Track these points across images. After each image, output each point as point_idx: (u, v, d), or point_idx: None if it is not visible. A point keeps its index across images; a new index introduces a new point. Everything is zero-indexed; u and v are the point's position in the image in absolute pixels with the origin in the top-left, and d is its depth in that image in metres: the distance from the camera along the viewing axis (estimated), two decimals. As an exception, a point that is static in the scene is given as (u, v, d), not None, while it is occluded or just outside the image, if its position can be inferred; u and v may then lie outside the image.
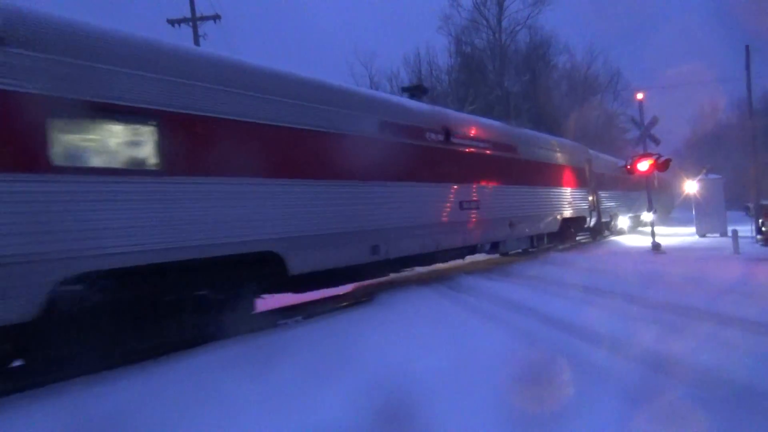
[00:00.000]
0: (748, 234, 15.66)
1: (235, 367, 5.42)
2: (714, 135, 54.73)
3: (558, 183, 15.34)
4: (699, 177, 19.67)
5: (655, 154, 14.79)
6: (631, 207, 26.15)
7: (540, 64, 41.10)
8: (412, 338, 6.26)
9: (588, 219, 17.96)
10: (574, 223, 16.99)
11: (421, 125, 9.92)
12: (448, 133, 10.56)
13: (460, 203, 10.77)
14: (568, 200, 15.98)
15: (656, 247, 14.90)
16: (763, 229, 12.72)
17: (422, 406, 4.13)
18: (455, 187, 10.69)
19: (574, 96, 42.84)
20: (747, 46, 16.02)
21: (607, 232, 22.54)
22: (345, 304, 9.25)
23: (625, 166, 15.79)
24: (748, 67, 16.06)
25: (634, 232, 25.95)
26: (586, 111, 41.17)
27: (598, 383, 4.44)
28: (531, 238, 14.47)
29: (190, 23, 23.37)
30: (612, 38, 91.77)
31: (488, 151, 12.01)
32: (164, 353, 6.43)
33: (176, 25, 23.32)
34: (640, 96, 15.75)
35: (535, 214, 14.00)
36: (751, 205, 23.87)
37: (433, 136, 10.16)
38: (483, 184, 11.66)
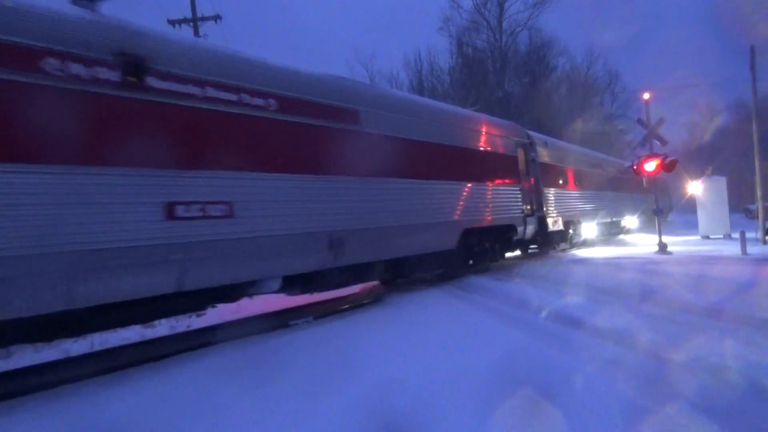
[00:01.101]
0: (751, 236, 15.57)
1: (242, 373, 5.31)
2: (712, 137, 54.82)
3: (456, 175, 10.61)
4: (702, 178, 19.60)
5: (662, 155, 14.70)
6: (606, 211, 21.43)
7: (540, 66, 41.13)
8: (426, 339, 6.16)
9: (521, 228, 13.07)
10: (494, 236, 12.27)
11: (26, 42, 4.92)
12: (138, 68, 5.74)
13: (170, 208, 5.80)
14: (481, 201, 11.39)
15: (663, 247, 14.78)
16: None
17: (443, 416, 4.01)
18: (151, 175, 5.70)
19: (574, 98, 42.85)
20: (752, 47, 16.00)
21: (563, 245, 17.36)
22: (353, 305, 9.10)
23: (632, 166, 15.66)
24: (752, 67, 16.03)
25: (612, 243, 21.10)
26: (586, 113, 41.17)
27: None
28: (394, 264, 9.32)
29: (191, 23, 23.28)
30: (611, 41, 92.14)
31: (269, 114, 7.01)
32: (164, 357, 6.33)
33: (177, 26, 23.19)
34: (646, 96, 15.67)
35: (399, 225, 8.94)
36: (754, 207, 23.85)
37: (81, 70, 5.28)
38: (248, 170, 6.65)
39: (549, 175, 15.48)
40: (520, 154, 13.55)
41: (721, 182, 19.00)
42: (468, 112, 12.75)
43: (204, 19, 23.57)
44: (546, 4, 39.64)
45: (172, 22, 23.19)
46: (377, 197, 8.58)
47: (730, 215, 19.55)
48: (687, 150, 55.40)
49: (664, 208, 35.08)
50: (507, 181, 12.65)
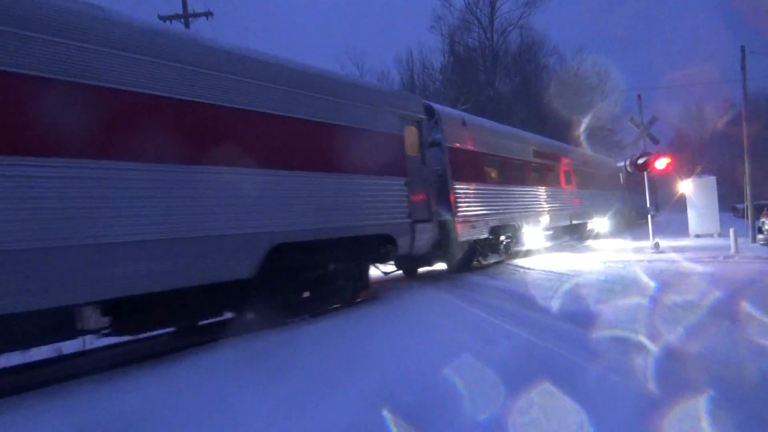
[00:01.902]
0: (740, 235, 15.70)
1: (244, 369, 5.27)
2: (700, 137, 55.44)
3: (260, 158, 6.94)
4: (692, 177, 19.78)
5: (655, 153, 14.81)
6: (564, 212, 17.56)
7: (531, 65, 41.28)
8: (430, 335, 6.15)
9: (405, 239, 9.19)
10: (351, 253, 8.42)
11: None
12: None
13: None
14: (318, 201, 7.62)
15: (656, 246, 14.87)
16: (764, 228, 12.64)
17: (452, 410, 4.00)
18: None
19: (564, 97, 43.02)
20: (742, 47, 16.16)
21: (494, 257, 13.21)
22: (349, 303, 9.01)
23: (625, 166, 15.73)
24: (743, 67, 16.19)
25: (572, 250, 17.51)
26: (576, 112, 41.34)
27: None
28: (113, 309, 5.82)
29: (182, 20, 23.13)
30: (601, 40, 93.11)
31: None
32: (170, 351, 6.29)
33: (168, 22, 22.99)
34: (638, 95, 15.79)
35: (108, 242, 5.33)
36: (741, 206, 24.11)
37: None
38: None
39: (468, 165, 11.86)
40: (410, 135, 9.74)
41: (711, 181, 19.18)
42: (300, 64, 8.04)
43: (195, 15, 23.49)
44: (537, 4, 39.82)
45: (163, 18, 22.99)
46: (44, 194, 4.92)
47: (719, 214, 19.75)
48: (675, 148, 55.99)
49: (642, 208, 33.02)
50: (379, 171, 8.81)
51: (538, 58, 42.49)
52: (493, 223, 12.54)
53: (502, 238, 13.47)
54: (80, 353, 7.54)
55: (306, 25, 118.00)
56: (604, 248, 17.42)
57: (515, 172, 14.41)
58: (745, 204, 18.08)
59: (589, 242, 20.63)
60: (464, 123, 12.27)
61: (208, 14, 23.66)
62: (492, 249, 13.14)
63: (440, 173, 11.00)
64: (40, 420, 4.28)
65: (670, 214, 39.20)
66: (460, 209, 11.19)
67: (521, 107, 37.29)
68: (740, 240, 14.00)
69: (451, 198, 11.03)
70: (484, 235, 12.16)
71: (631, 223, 27.96)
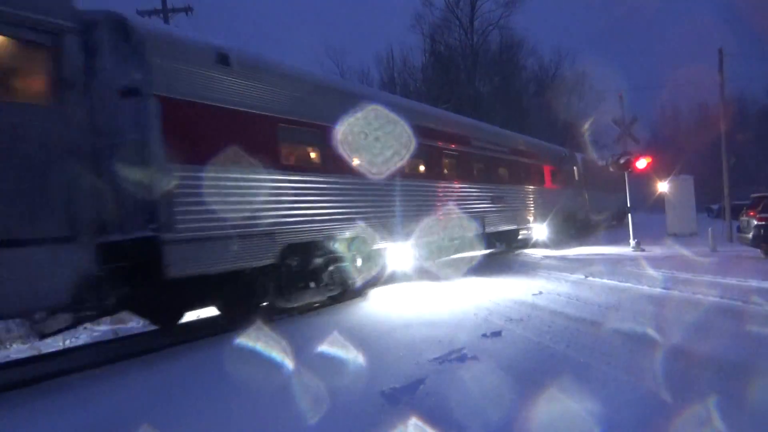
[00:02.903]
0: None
1: (245, 365, 5.22)
2: (674, 138, 56.58)
3: None
4: (670, 177, 20.16)
5: (635, 153, 15.09)
6: (472, 217, 12.40)
7: (510, 65, 41.55)
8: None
9: None
10: None
11: None
12: None
13: None
14: None
15: (637, 245, 15.11)
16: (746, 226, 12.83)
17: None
18: None
19: (542, 97, 43.49)
20: (720, 50, 16.51)
21: (309, 295, 8.17)
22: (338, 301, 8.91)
23: (606, 165, 15.97)
24: (720, 70, 16.55)
25: (491, 270, 12.16)
26: (554, 112, 41.83)
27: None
28: None
29: (161, 15, 22.78)
30: (580, 42, 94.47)
31: None
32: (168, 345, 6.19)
33: (147, 17, 22.62)
34: (620, 95, 16.04)
35: None
36: (716, 207, 24.63)
37: None
38: None
39: (229, 135, 6.59)
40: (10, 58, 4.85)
41: (689, 181, 19.56)
42: None
43: (175, 10, 23.15)
44: (516, 4, 40.05)
45: (141, 13, 22.60)
46: None
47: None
48: (648, 148, 56.83)
49: (609, 208, 27.66)
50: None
51: (517, 59, 42.85)
52: (296, 239, 7.55)
53: (320, 261, 8.23)
54: (66, 350, 7.39)
55: (286, 22, 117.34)
56: (539, 263, 13.63)
57: (369, 155, 9.32)
58: (723, 203, 18.49)
59: (521, 252, 16.39)
60: (226, 61, 6.80)
61: (187, 10, 23.37)
62: (314, 279, 8.22)
63: (136, 145, 5.72)
64: (33, 420, 4.17)
65: (642, 214, 39.65)
66: (184, 215, 5.97)
67: (501, 107, 37.55)
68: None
69: (161, 194, 5.74)
70: (266, 261, 7.05)
71: (591, 228, 23.66)
